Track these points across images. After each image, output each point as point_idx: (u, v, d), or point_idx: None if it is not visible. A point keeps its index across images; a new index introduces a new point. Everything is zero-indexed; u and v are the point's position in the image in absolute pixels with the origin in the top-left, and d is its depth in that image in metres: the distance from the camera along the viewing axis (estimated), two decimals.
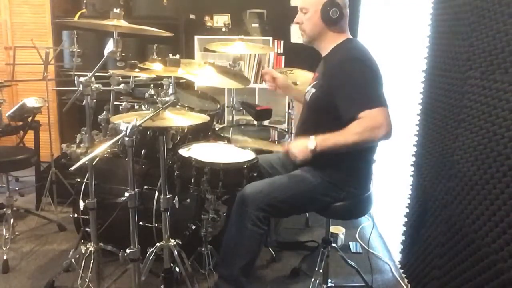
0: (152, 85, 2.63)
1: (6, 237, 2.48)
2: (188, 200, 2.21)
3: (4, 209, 2.57)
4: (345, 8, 1.84)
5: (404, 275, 2.20)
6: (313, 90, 1.88)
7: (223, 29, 3.92)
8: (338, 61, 1.80)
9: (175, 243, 1.98)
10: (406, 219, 2.16)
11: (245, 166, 1.90)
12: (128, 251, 1.59)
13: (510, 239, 1.23)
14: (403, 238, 2.19)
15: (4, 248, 2.42)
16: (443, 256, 1.66)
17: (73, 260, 2.12)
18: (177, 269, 2.06)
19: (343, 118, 1.70)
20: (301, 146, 1.75)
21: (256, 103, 3.60)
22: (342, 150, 1.70)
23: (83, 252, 2.01)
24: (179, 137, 2.05)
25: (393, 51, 2.63)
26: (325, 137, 1.72)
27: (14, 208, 2.61)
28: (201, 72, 2.25)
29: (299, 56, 3.31)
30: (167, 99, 1.80)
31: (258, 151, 2.06)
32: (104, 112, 2.29)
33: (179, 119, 1.74)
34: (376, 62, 1.78)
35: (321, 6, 1.80)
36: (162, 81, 2.60)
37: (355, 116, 1.66)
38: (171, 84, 2.06)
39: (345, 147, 1.68)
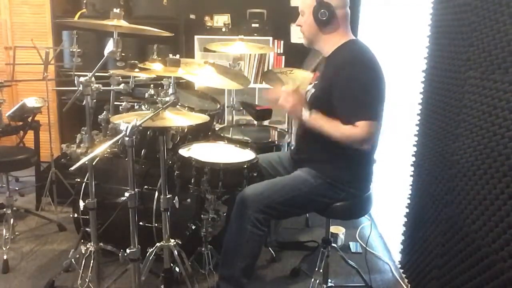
0: (152, 85, 2.63)
1: (6, 237, 2.48)
2: (188, 200, 2.21)
3: (4, 209, 2.56)
4: (342, 8, 1.82)
5: (404, 275, 2.20)
6: (313, 90, 1.88)
7: (223, 29, 3.92)
8: (341, 62, 1.79)
9: (175, 243, 1.99)
10: (406, 219, 2.16)
11: (245, 166, 1.90)
12: (128, 251, 1.59)
13: (510, 239, 1.23)
14: (403, 238, 2.19)
15: (4, 248, 2.42)
16: (443, 256, 1.66)
17: (73, 260, 2.12)
18: (177, 269, 2.06)
19: (340, 119, 1.71)
20: (298, 105, 1.80)
21: (256, 103, 3.60)
22: (322, 135, 1.75)
23: (83, 252, 2.01)
24: (179, 137, 2.05)
25: (393, 51, 2.62)
26: (317, 116, 1.77)
27: (14, 208, 2.61)
28: (201, 72, 2.25)
29: (299, 56, 3.31)
30: (167, 99, 1.80)
31: (258, 149, 2.05)
32: (104, 112, 2.28)
33: (179, 119, 1.74)
34: (381, 68, 1.78)
35: (312, 8, 1.80)
36: (162, 81, 2.60)
37: (352, 121, 1.68)
38: (171, 84, 2.06)
39: (327, 136, 1.74)
